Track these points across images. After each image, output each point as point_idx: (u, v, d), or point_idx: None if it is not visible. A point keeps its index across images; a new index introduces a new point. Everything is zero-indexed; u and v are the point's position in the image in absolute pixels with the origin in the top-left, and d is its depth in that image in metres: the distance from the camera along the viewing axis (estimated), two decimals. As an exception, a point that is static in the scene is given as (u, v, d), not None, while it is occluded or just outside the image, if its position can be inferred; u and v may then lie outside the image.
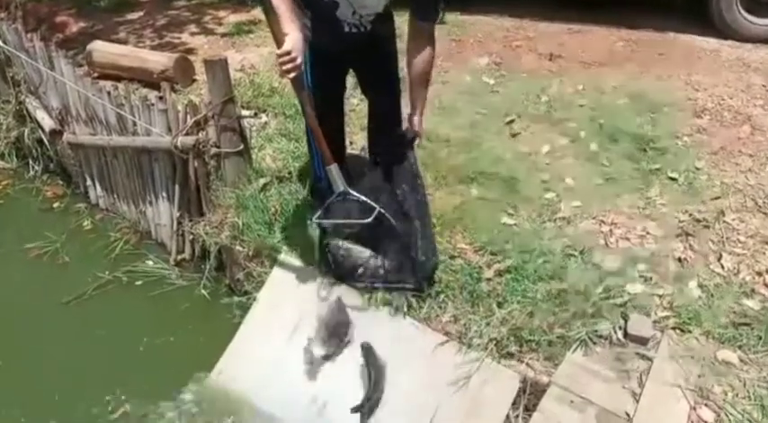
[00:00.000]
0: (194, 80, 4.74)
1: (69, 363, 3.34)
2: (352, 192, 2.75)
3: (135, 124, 3.73)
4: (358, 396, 2.95)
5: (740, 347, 2.83)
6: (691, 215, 3.65)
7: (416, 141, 2.80)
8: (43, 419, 3.06)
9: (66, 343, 3.45)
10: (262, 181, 3.68)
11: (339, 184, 2.78)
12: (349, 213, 2.76)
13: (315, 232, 3.31)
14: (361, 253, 3.10)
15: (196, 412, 3.09)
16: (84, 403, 3.13)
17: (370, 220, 2.66)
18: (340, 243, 3.10)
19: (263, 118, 4.33)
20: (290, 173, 3.81)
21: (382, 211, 2.68)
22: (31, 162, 4.69)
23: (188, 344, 3.47)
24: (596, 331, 2.90)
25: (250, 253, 3.52)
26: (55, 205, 4.44)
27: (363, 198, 2.72)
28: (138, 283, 3.77)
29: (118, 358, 3.37)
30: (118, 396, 3.14)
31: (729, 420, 2.49)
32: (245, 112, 3.94)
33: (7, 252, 4.00)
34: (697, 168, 4.04)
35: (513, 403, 2.80)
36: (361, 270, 3.11)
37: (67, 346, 3.43)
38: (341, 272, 3.21)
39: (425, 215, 3.14)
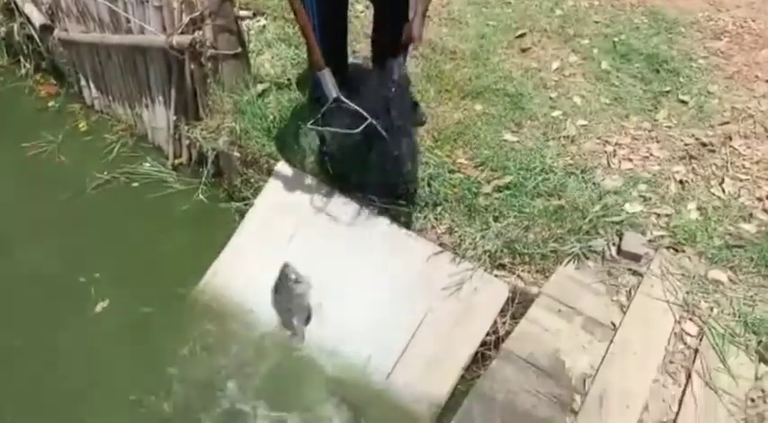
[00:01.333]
0: (192, -21, 4.50)
1: (65, 258, 3.39)
2: (344, 99, 2.66)
3: (128, 21, 3.57)
4: (353, 296, 3.03)
5: (731, 268, 2.87)
6: (697, 139, 3.59)
7: (411, 47, 2.67)
8: (29, 311, 3.16)
9: (61, 239, 3.48)
10: (260, 87, 3.57)
11: (332, 90, 2.68)
12: (342, 122, 2.69)
13: (310, 139, 3.27)
14: (357, 164, 3.05)
15: (188, 313, 3.15)
16: (74, 299, 3.20)
17: (358, 131, 2.58)
18: (336, 151, 3.05)
19: (262, 21, 4.15)
20: (288, 80, 3.70)
21: (374, 122, 2.61)
22: (22, 59, 4.54)
23: (184, 246, 3.49)
24: (590, 247, 2.92)
25: (248, 159, 3.48)
26: (49, 105, 4.35)
27: (356, 107, 2.63)
28: (136, 184, 3.75)
29: (113, 257, 3.41)
30: (113, 297, 3.21)
31: (712, 334, 2.55)
32: (243, 13, 3.78)
33: (3, 150, 3.96)
34: (709, 92, 3.93)
35: (502, 311, 2.88)
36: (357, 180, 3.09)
37: (62, 242, 3.46)
38: (338, 180, 3.19)
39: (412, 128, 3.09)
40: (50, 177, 3.86)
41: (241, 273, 3.24)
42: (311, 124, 2.82)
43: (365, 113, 2.63)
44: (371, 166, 2.94)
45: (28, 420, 2.78)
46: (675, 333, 2.54)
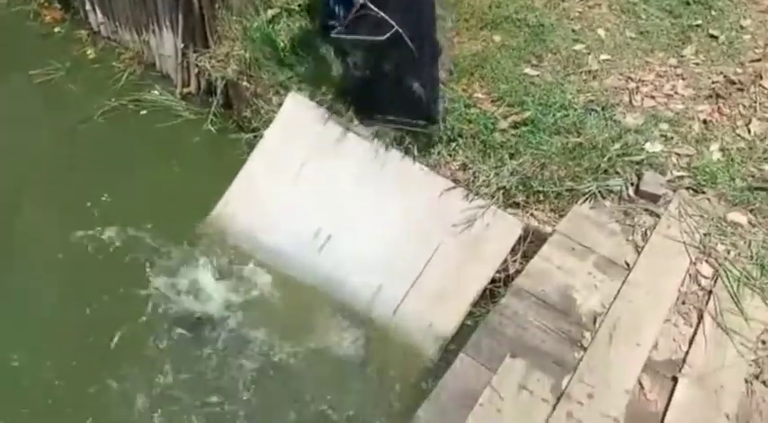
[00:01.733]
0: None
1: (71, 183, 3.38)
2: (370, 5, 2.53)
3: (133, -60, 3.40)
4: (363, 229, 3.01)
5: (752, 211, 2.80)
6: (725, 77, 3.43)
7: None
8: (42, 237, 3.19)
9: (68, 165, 3.47)
10: (270, 12, 3.42)
11: None
12: (366, 29, 2.56)
13: (330, 48, 3.14)
14: (377, 76, 2.92)
15: (199, 242, 3.17)
16: (80, 223, 3.21)
17: (384, 38, 2.47)
18: (356, 61, 2.92)
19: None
20: (300, 6, 3.53)
21: (400, 30, 2.48)
22: (26, -17, 4.37)
23: (193, 176, 3.47)
24: (607, 186, 2.86)
25: (258, 90, 3.38)
26: (55, 31, 4.21)
27: (382, 14, 2.50)
28: (144, 112, 3.68)
29: (120, 184, 3.39)
30: (120, 224, 3.21)
31: (727, 276, 2.52)
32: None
33: (12, 77, 3.88)
34: (741, 27, 3.72)
35: (513, 249, 2.85)
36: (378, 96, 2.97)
37: (69, 169, 3.45)
38: (356, 99, 3.09)
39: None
40: (58, 104, 3.80)
41: (252, 203, 3.22)
42: (335, 33, 2.69)
43: (391, 21, 2.51)
44: (393, 81, 2.83)
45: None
46: (690, 274, 2.51)
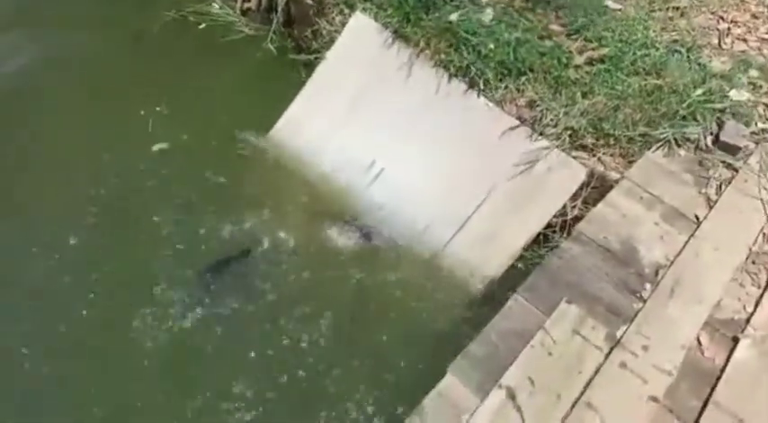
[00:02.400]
0: None
1: (127, 90, 3.39)
2: None
3: None
4: (419, 163, 2.94)
5: (840, 171, 2.60)
6: (832, 21, 3.12)
7: None
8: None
9: (129, 76, 3.46)
10: (339, -77, 3.23)
11: None
12: None
13: None
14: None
15: (250, 166, 3.17)
16: (132, 134, 3.25)
17: None
18: None
19: None
20: None
21: None
22: None
23: (249, 96, 3.44)
24: (684, 134, 2.68)
25: (321, 8, 3.25)
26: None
27: None
28: (203, 26, 3.60)
29: (176, 96, 3.38)
30: (172, 139, 3.23)
31: (806, 239, 2.37)
32: None
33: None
34: None
35: (574, 194, 2.75)
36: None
37: (130, 79, 3.44)
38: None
39: None
40: (118, 13, 3.74)
41: (308, 126, 3.18)
42: None
43: None
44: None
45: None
46: (764, 233, 2.37)
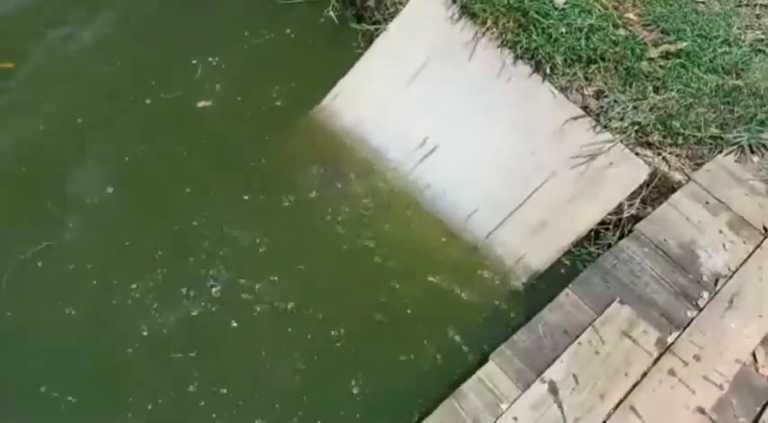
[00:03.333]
0: None
1: (184, 45, 3.38)
2: None
3: None
4: (472, 145, 2.88)
5: None
6: None
7: None
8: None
9: (184, 26, 3.47)
10: None
11: None
12: None
13: None
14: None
15: (300, 132, 3.13)
16: (177, 81, 3.23)
17: None
18: None
19: None
20: None
21: None
22: None
23: (305, 62, 3.37)
24: (760, 139, 2.54)
25: (388, -22, 3.17)
26: None
27: None
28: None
29: (230, 53, 3.36)
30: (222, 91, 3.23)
31: None
32: None
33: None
34: None
35: (633, 193, 2.64)
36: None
37: (184, 31, 3.45)
38: None
39: None
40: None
41: (363, 98, 3.13)
42: None
43: None
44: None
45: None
46: (836, 252, 2.24)
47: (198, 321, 2.53)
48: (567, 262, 2.69)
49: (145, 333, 2.49)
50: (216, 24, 3.50)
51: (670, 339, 1.95)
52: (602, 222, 2.68)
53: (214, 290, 2.62)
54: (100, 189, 2.88)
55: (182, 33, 3.47)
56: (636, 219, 2.57)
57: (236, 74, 3.33)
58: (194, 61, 3.35)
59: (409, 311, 2.60)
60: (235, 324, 2.54)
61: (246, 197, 2.92)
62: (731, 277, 2.12)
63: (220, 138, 3.10)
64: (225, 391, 2.37)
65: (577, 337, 1.89)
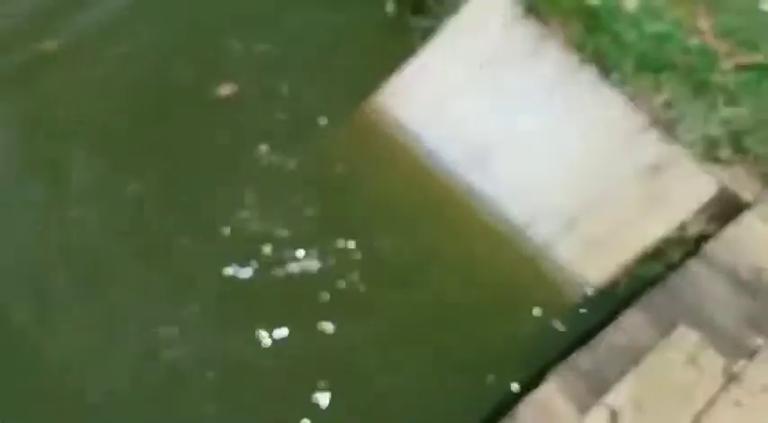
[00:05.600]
0: None
1: (249, 34, 3.35)
2: None
3: None
4: (532, 151, 2.80)
5: None
6: None
7: None
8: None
9: (244, 15, 3.44)
10: None
11: None
12: None
13: None
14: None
15: (354, 132, 3.09)
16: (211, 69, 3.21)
17: None
18: None
19: None
20: None
21: None
22: None
23: (360, 55, 3.33)
24: (840, 162, 2.43)
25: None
26: None
27: None
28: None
29: (290, 48, 3.33)
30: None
31: None
32: None
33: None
34: None
35: (699, 210, 2.55)
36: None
37: (247, 19, 3.41)
38: None
39: None
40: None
41: (418, 96, 3.07)
42: None
43: None
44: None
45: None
46: None
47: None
48: (627, 279, 2.61)
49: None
50: (275, 18, 3.45)
51: (737, 368, 1.88)
52: (666, 239, 2.59)
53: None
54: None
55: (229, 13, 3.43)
56: (701, 237, 2.49)
57: (286, 58, 3.29)
58: (249, 44, 3.31)
59: (457, 320, 2.56)
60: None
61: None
62: (803, 306, 2.03)
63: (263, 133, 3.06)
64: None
65: (641, 360, 1.83)
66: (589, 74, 2.75)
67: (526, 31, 2.88)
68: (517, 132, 2.85)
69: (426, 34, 3.20)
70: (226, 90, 3.20)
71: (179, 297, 2.56)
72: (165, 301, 2.55)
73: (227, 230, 2.78)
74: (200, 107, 3.14)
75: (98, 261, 2.65)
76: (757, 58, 2.69)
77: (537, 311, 2.56)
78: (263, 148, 3.01)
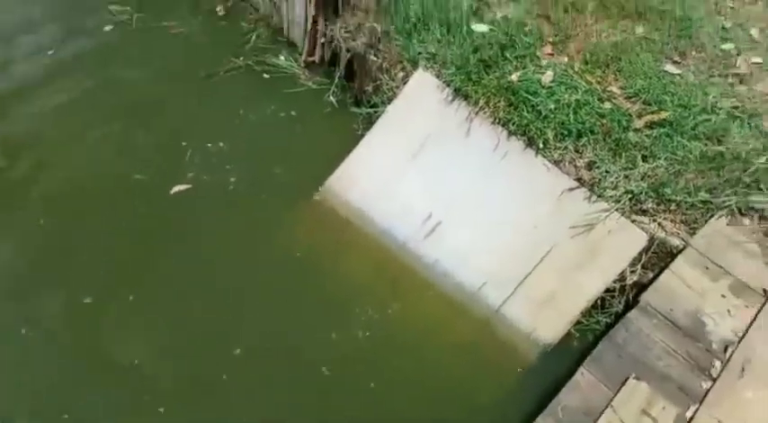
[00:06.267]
0: None
1: (195, 131, 3.51)
2: None
3: None
4: (475, 220, 2.96)
5: None
6: None
7: None
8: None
9: (194, 115, 3.60)
10: (406, -16, 3.35)
11: None
12: None
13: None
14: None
15: (308, 220, 3.21)
16: (166, 171, 3.33)
17: None
18: None
19: None
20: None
21: None
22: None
23: (308, 147, 3.51)
24: (749, 202, 2.66)
25: (384, 65, 3.35)
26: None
27: None
28: (267, 76, 3.74)
29: (236, 140, 3.48)
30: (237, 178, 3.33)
31: None
32: None
33: (148, 26, 4.03)
34: None
35: (633, 259, 2.73)
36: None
37: (194, 118, 3.58)
38: None
39: None
40: (187, 56, 3.91)
41: (366, 178, 3.24)
42: None
43: None
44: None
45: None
46: (836, 311, 2.32)
47: None
48: (577, 333, 2.74)
49: None
50: (226, 116, 3.64)
51: (689, 414, 1.98)
52: (608, 290, 2.75)
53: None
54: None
55: (181, 118, 3.60)
56: (639, 285, 2.66)
57: (236, 157, 3.44)
58: (209, 144, 3.46)
59: (417, 390, 2.61)
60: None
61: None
62: (739, 343, 2.18)
63: (221, 222, 3.16)
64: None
65: (597, 419, 1.93)
66: (517, 144, 2.97)
67: (457, 111, 3.12)
68: (460, 204, 3.02)
69: (369, 121, 3.42)
70: (180, 187, 3.31)
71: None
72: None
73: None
74: (155, 205, 3.23)
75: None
76: (664, 114, 2.97)
77: (493, 374, 2.64)
78: (219, 237, 3.10)
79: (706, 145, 2.87)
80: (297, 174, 3.39)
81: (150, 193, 3.25)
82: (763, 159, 2.78)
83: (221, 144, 3.48)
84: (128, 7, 4.11)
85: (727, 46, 3.30)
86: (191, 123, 3.56)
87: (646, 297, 2.30)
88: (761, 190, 2.70)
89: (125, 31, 4.02)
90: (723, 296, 2.33)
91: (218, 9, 4.13)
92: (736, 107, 3.03)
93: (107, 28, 4.03)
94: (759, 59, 3.24)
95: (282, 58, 3.79)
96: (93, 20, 4.07)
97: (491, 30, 3.25)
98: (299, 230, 3.18)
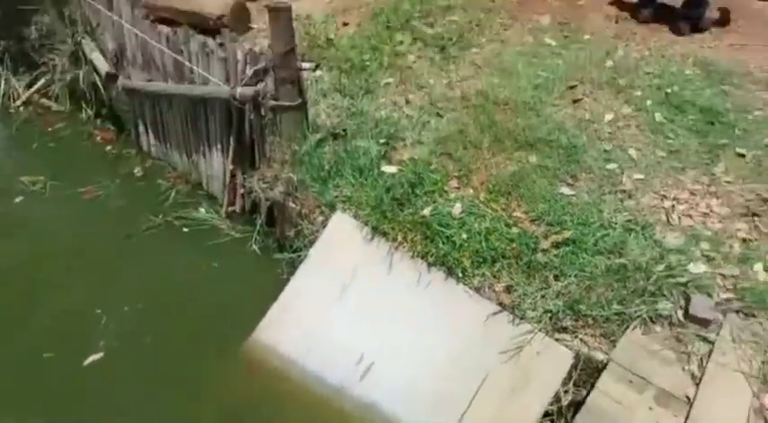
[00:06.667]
0: (250, 28, 4.62)
1: (118, 300, 3.43)
2: None
3: (192, 72, 3.67)
4: (408, 355, 2.96)
5: (809, 336, 2.74)
6: (758, 194, 3.49)
7: None
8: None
9: (112, 280, 3.55)
10: (317, 136, 3.61)
11: None
12: None
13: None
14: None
15: (240, 371, 3.12)
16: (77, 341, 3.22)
17: None
18: None
19: (318, 72, 4.22)
20: (344, 130, 3.73)
21: None
22: (84, 105, 4.69)
23: (234, 297, 3.50)
24: (656, 310, 2.83)
25: (303, 211, 3.49)
26: (107, 150, 4.47)
27: None
28: (188, 230, 3.79)
29: (161, 297, 3.44)
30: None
31: (794, 411, 2.42)
32: (305, 65, 3.83)
33: (63, 194, 4.06)
34: (766, 146, 3.84)
35: (564, 379, 2.78)
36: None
37: (116, 286, 3.52)
38: None
39: None
40: (105, 219, 3.93)
41: (294, 324, 3.22)
42: None
43: None
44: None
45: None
46: (754, 409, 2.42)
47: None
48: (522, 460, 2.69)
49: None
50: (148, 276, 3.60)
51: None
52: (546, 413, 2.75)
53: None
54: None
55: (99, 278, 3.53)
56: (575, 404, 2.68)
57: (172, 317, 3.38)
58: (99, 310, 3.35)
59: None
60: None
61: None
62: (674, 454, 2.21)
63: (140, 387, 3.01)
64: None
65: None
66: (437, 275, 3.09)
67: (378, 249, 3.24)
68: (389, 342, 3.03)
69: (293, 266, 3.47)
70: (94, 357, 3.15)
71: None
72: None
73: None
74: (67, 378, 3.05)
75: None
76: (567, 233, 3.20)
77: None
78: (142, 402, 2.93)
79: (609, 258, 3.08)
80: (222, 326, 3.33)
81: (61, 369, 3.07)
82: (660, 267, 3.00)
83: (139, 305, 3.39)
84: (41, 176, 4.14)
85: (611, 166, 3.67)
86: (107, 288, 3.48)
87: (579, 420, 2.32)
88: (665, 296, 2.89)
89: (38, 200, 4.01)
90: (650, 408, 2.39)
91: (135, 170, 4.26)
92: (629, 220, 3.31)
93: (18, 199, 4.02)
94: (641, 176, 3.62)
95: (203, 210, 3.89)
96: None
97: (400, 170, 3.50)
98: (228, 384, 3.06)
